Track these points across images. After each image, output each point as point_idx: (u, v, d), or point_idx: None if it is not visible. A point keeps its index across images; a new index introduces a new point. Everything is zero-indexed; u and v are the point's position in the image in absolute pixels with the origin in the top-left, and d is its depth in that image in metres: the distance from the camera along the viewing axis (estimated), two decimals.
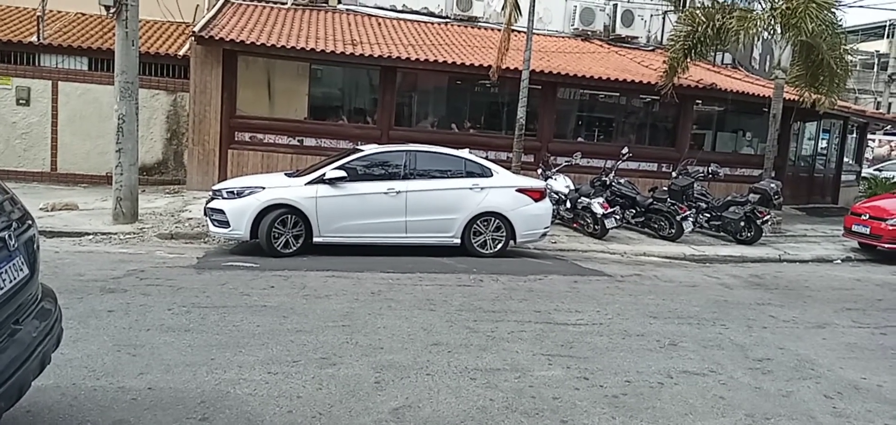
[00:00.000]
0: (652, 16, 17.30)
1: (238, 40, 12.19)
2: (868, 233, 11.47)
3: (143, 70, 12.20)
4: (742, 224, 11.57)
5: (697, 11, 12.91)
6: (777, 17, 12.04)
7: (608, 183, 12.01)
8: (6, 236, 2.93)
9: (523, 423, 3.98)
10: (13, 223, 3.07)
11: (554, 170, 12.42)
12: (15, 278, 2.95)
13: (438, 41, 14.56)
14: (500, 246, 9.06)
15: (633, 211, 11.96)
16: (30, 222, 3.31)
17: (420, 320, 5.88)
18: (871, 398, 4.81)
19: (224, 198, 8.42)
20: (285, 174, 9.30)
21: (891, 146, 29.19)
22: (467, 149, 9.72)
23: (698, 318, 6.65)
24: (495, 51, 12.21)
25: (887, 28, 40.00)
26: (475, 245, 8.98)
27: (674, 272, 9.21)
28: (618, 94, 15.02)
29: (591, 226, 11.05)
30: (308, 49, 12.43)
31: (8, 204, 3.16)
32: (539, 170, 12.65)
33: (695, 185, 12.08)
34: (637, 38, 17.16)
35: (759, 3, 13.61)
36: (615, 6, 16.77)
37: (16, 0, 14.76)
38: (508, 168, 10.63)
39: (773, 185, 11.70)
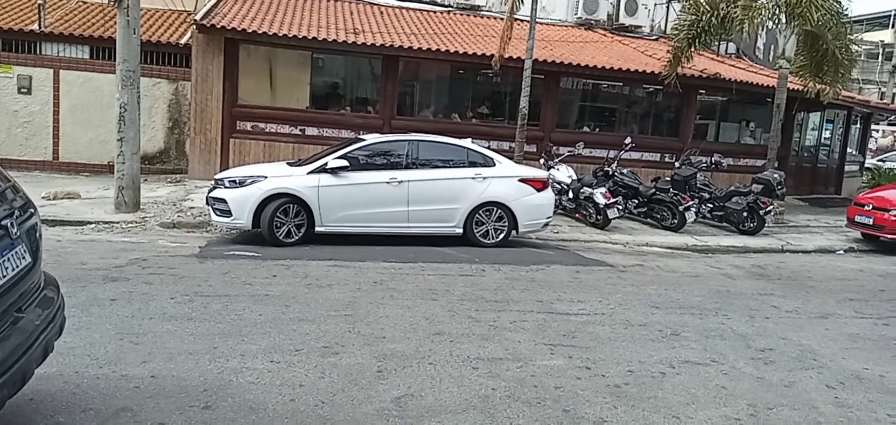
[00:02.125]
0: (656, 4, 17.21)
1: (240, 29, 12.16)
2: (871, 223, 11.44)
3: (145, 58, 12.18)
4: (745, 214, 11.55)
5: (702, 0, 12.84)
6: (782, 6, 11.97)
7: (611, 173, 11.99)
8: (8, 224, 2.92)
9: (525, 412, 3.98)
10: (15, 211, 3.06)
11: (556, 160, 12.39)
12: (17, 266, 2.94)
13: (441, 30, 14.51)
14: (502, 235, 9.05)
15: (636, 201, 11.94)
16: (32, 210, 3.30)
17: (422, 310, 5.89)
18: (874, 388, 4.81)
19: (226, 188, 8.41)
20: (287, 163, 9.30)
21: (894, 136, 29.10)
22: (470, 139, 9.70)
23: (700, 308, 6.65)
24: (498, 40, 12.16)
25: (892, 18, 39.77)
26: (477, 234, 8.97)
27: (676, 262, 9.20)
28: (621, 83, 14.96)
29: (594, 216, 11.04)
30: (310, 37, 12.40)
31: (10, 192, 3.16)
32: (542, 160, 12.62)
33: (697, 176, 12.05)
34: (640, 27, 17.07)
35: None
36: None
37: None
38: (511, 158, 10.61)
39: (776, 176, 11.67)
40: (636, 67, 13.73)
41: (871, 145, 25.23)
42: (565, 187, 11.65)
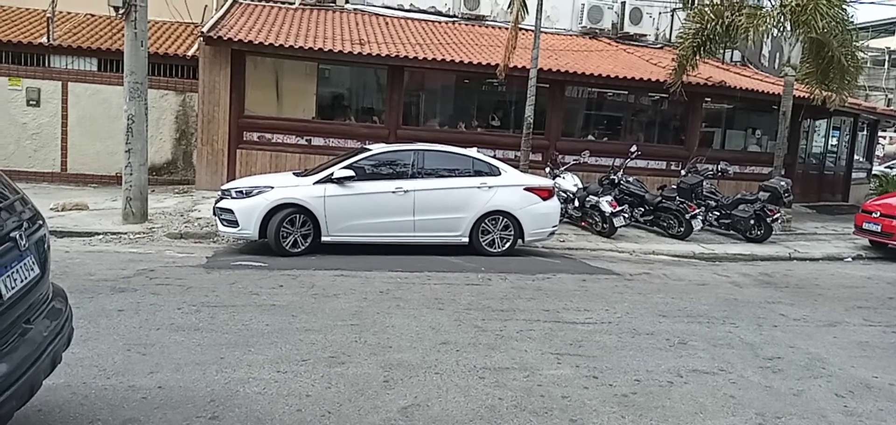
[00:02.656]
0: (660, 13, 17.22)
1: (246, 40, 12.23)
2: (879, 230, 11.38)
3: (153, 70, 12.26)
4: (752, 222, 11.51)
5: (706, 8, 12.84)
6: (787, 14, 11.95)
7: (617, 181, 11.97)
8: (17, 236, 2.94)
9: (532, 422, 3.97)
10: (24, 223, 3.08)
11: (562, 169, 12.39)
12: (26, 278, 2.96)
13: (446, 40, 14.56)
14: (508, 244, 9.04)
15: (642, 209, 11.91)
16: (40, 222, 3.33)
17: (428, 319, 5.88)
18: (883, 396, 4.77)
19: (233, 198, 8.45)
20: (293, 173, 9.32)
21: None
22: (475, 148, 9.70)
23: (708, 317, 6.62)
24: (503, 49, 12.18)
25: None
26: (483, 244, 8.96)
27: (683, 270, 9.17)
28: (626, 92, 14.95)
29: (600, 224, 11.02)
30: (316, 49, 12.45)
31: (19, 204, 3.18)
32: (547, 169, 12.61)
33: (704, 183, 12.00)
34: (645, 35, 17.07)
35: None
36: (623, 4, 16.70)
37: (26, 1, 14.85)
38: (516, 167, 10.61)
39: (782, 183, 11.62)
40: (641, 76, 13.73)
41: (879, 152, 25.12)
42: (571, 196, 11.64)
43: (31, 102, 13.01)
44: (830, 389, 4.85)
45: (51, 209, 9.75)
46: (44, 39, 13.33)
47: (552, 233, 9.49)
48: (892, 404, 4.65)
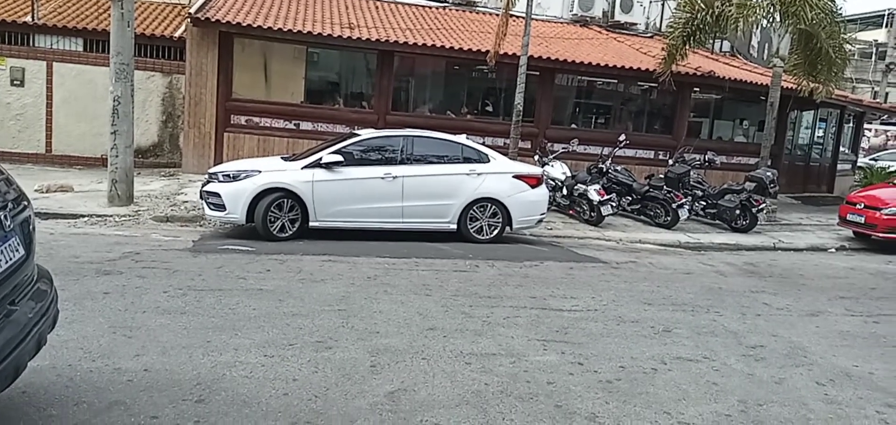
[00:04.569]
0: (651, 2, 17.26)
1: (234, 22, 12.12)
2: (863, 222, 11.52)
3: (139, 51, 12.14)
4: (737, 212, 11.61)
5: None
6: (777, 5, 12.02)
7: (605, 170, 12.03)
8: (2, 217, 2.92)
9: (518, 407, 4.00)
10: (8, 204, 3.05)
11: (551, 157, 12.42)
12: (10, 259, 2.94)
13: (436, 25, 14.51)
14: (496, 232, 9.07)
15: (630, 198, 11.99)
16: (25, 203, 3.30)
17: (416, 305, 5.90)
18: (863, 385, 4.85)
19: (220, 182, 8.40)
20: (282, 158, 9.29)
21: (887, 136, 29.24)
22: (464, 135, 9.70)
23: (692, 305, 6.68)
24: (493, 36, 12.17)
25: (885, 17, 39.95)
26: (471, 230, 8.99)
27: (669, 259, 9.24)
28: (616, 80, 14.99)
29: (588, 212, 11.07)
30: (305, 32, 12.37)
31: (3, 184, 3.15)
32: (536, 157, 12.64)
33: (691, 173, 12.08)
34: (636, 24, 17.11)
35: None
36: None
37: None
38: (505, 154, 10.62)
39: (769, 174, 11.72)
40: (631, 65, 13.76)
41: (864, 144, 25.35)
42: (559, 184, 11.68)
43: (14, 82, 12.84)
44: (811, 377, 4.92)
45: (35, 190, 9.67)
46: (28, 18, 13.14)
47: (540, 221, 9.53)
48: (871, 392, 4.73)
